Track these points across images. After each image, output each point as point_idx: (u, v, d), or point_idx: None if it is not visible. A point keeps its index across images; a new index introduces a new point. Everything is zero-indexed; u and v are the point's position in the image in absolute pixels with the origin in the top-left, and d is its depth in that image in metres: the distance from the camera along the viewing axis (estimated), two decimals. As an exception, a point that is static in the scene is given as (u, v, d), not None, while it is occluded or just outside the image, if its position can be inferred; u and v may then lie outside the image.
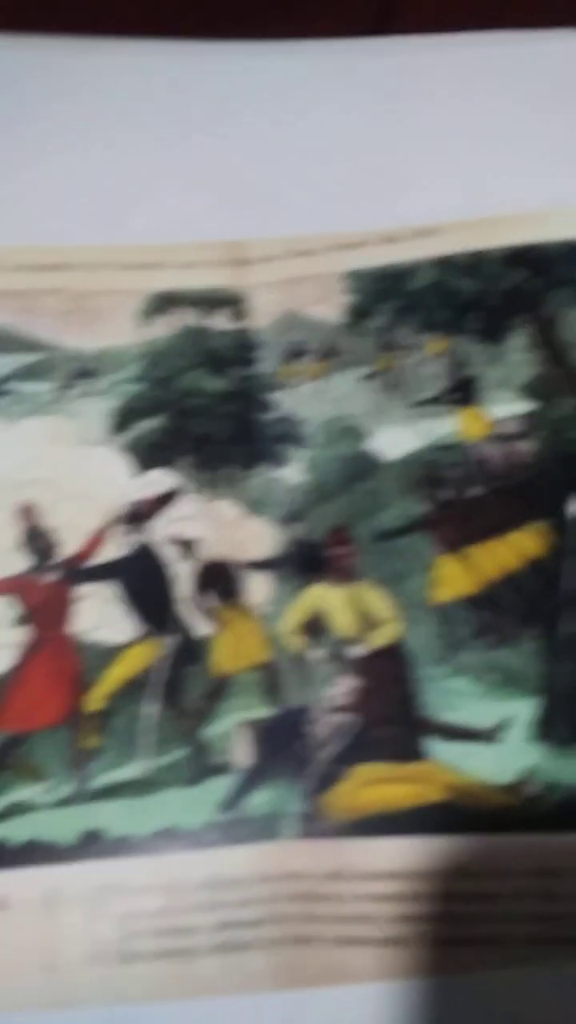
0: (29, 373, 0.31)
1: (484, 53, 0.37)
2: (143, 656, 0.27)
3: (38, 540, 0.29)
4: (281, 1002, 0.21)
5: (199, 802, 0.24)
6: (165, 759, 0.25)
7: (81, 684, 0.26)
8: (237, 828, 0.23)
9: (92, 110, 0.34)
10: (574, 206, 0.33)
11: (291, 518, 0.29)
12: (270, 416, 0.30)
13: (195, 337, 0.32)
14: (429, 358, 0.31)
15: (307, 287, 0.32)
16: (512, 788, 0.23)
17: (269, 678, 0.26)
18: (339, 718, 0.25)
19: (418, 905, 0.22)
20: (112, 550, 0.28)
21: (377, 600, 0.27)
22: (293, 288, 0.32)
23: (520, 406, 0.29)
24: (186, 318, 0.32)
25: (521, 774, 0.24)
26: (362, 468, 0.30)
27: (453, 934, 0.22)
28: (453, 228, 0.33)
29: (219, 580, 0.28)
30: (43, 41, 0.36)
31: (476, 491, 0.28)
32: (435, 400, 0.30)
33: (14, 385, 0.30)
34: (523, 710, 0.24)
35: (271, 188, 0.34)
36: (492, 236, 0.32)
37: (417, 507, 0.28)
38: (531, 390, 0.30)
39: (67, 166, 0.33)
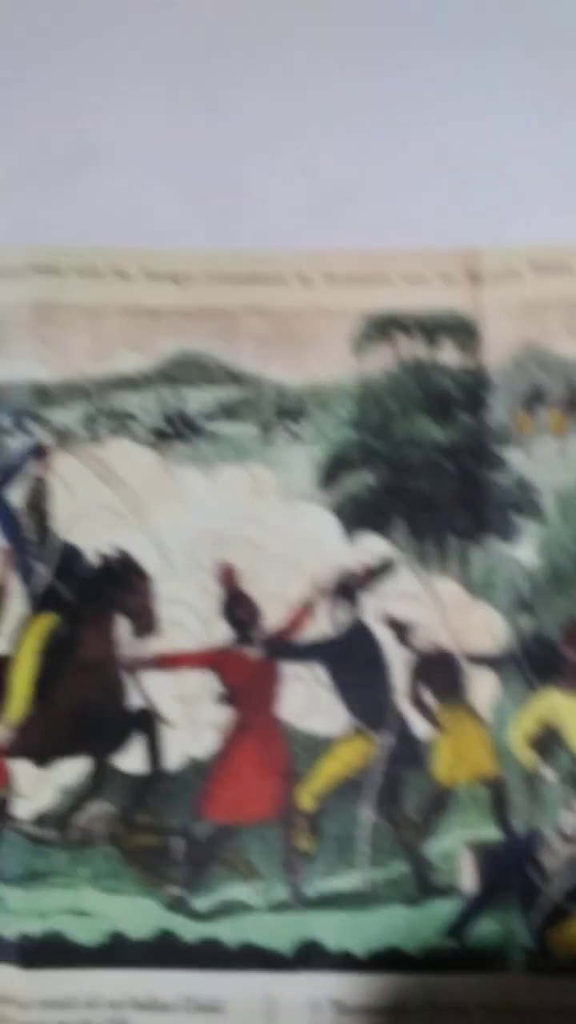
0: (229, 412, 0.33)
1: None
2: (356, 753, 0.30)
3: (239, 608, 0.32)
4: None
5: (423, 925, 0.27)
6: (384, 873, 0.28)
7: (292, 777, 0.29)
8: (461, 956, 0.28)
9: (303, 90, 0.35)
10: None
11: (522, 607, 0.31)
12: (501, 477, 0.33)
13: (417, 373, 0.34)
14: None
15: (554, 314, 0.34)
16: None
17: (497, 795, 0.29)
18: (573, 849, 0.29)
19: None
20: (320, 626, 0.33)
21: (622, 715, 0.30)
22: (536, 314, 0.33)
23: None
24: (408, 348, 0.34)
25: None
26: (609, 554, 0.32)
27: None
28: None
29: (440, 673, 0.31)
30: None
31: None
32: None
33: (213, 425, 0.34)
34: None
35: (515, 185, 0.35)
36: None
37: None
38: None
39: (275, 154, 0.35)
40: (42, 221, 0.33)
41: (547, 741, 0.30)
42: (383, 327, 0.33)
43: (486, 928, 0.28)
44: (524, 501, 0.32)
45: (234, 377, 0.33)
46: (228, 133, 0.34)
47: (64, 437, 0.32)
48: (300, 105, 0.34)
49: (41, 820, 0.30)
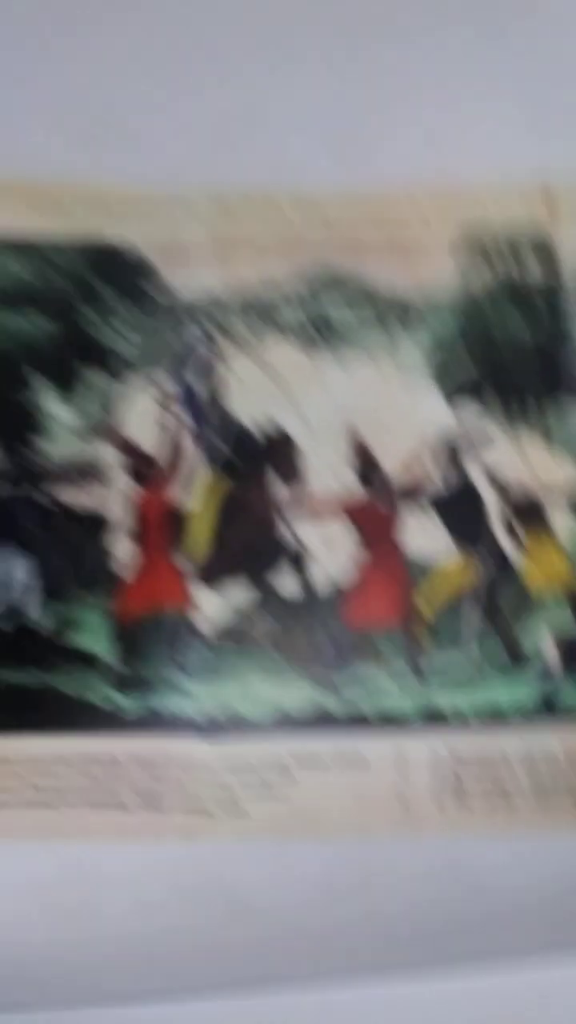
0: (360, 316, 0.42)
1: None
2: (462, 573, 0.39)
3: (369, 468, 0.41)
4: None
5: (518, 691, 0.37)
6: (487, 658, 0.38)
7: (412, 590, 0.39)
8: (550, 717, 0.37)
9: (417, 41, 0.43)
10: None
11: None
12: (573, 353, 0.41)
13: (506, 283, 0.42)
14: None
15: None
16: None
17: (573, 600, 0.39)
18: None
19: None
20: (431, 478, 0.41)
21: None
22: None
23: None
24: (500, 264, 0.42)
25: None
26: None
27: None
28: None
29: (527, 511, 0.40)
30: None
31: None
32: None
33: (348, 327, 0.42)
34: None
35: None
36: None
37: None
38: None
39: (395, 99, 0.43)
40: (222, 171, 0.40)
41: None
42: (476, 242, 0.41)
43: (567, 695, 0.36)
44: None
45: (363, 288, 0.41)
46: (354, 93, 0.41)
47: (235, 338, 0.40)
48: (424, 68, 0.41)
49: (218, 631, 0.39)
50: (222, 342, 0.41)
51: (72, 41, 0.42)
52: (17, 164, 0.41)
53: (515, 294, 0.41)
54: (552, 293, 0.40)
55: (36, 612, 0.39)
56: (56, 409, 0.40)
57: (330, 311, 0.41)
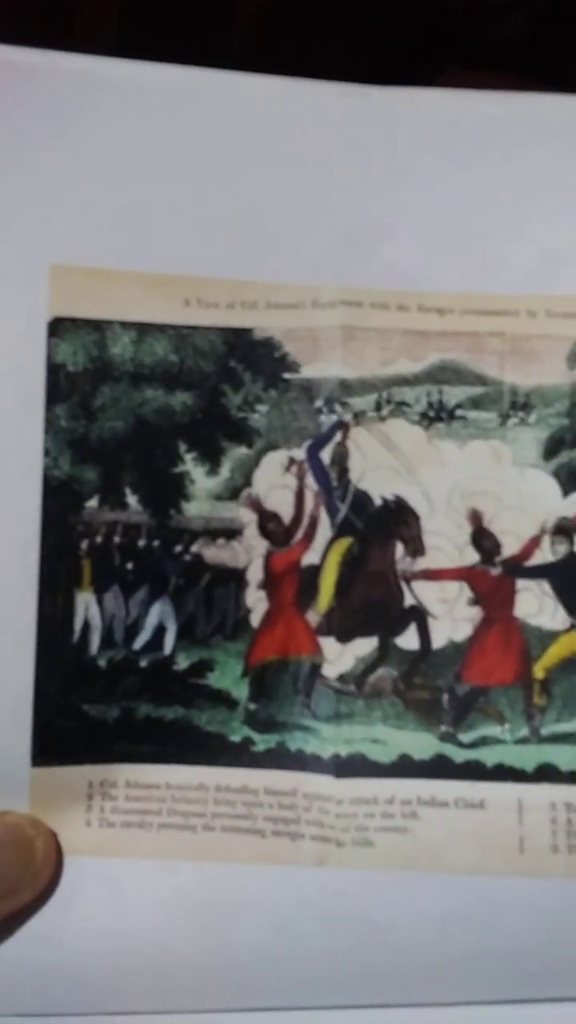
0: (476, 403, 0.48)
1: None
2: (575, 642, 0.43)
3: (485, 540, 0.46)
4: None
5: None
6: None
7: (527, 656, 0.43)
8: None
9: (536, 172, 0.50)
10: None
11: None
12: None
13: (613, 384, 0.48)
14: None
15: None
16: None
17: None
18: None
19: None
20: (544, 555, 0.45)
21: None
22: None
23: None
24: (606, 366, 0.48)
25: None
26: None
27: None
28: None
29: None
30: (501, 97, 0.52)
31: None
32: None
33: (464, 412, 0.47)
34: None
35: None
36: None
37: None
38: None
39: (512, 221, 0.49)
40: (352, 273, 0.46)
41: None
42: (591, 356, 0.47)
43: None
44: None
45: (480, 380, 0.46)
46: (480, 209, 0.47)
47: (359, 416, 0.46)
48: (535, 192, 0.47)
49: (343, 678, 0.44)
50: (347, 419, 0.45)
51: (225, 164, 0.48)
52: (170, 263, 0.47)
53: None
54: None
55: (171, 651, 0.43)
56: (201, 477, 0.45)
57: (449, 396, 0.46)
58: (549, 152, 0.53)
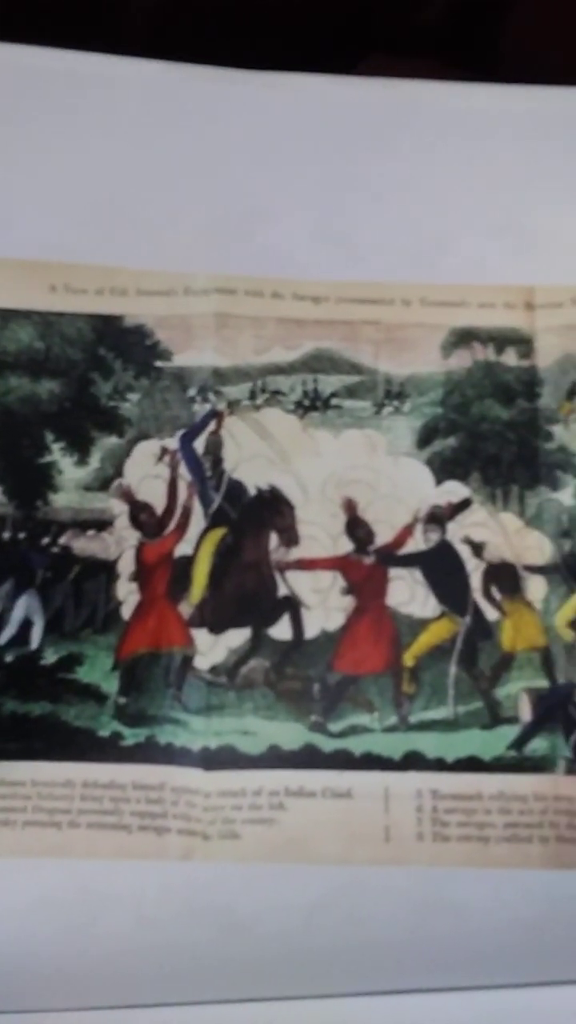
0: (351, 392, 0.48)
1: None
2: (445, 629, 0.44)
3: (359, 529, 0.46)
4: (549, 877, 0.40)
5: (493, 741, 0.42)
6: (465, 707, 0.43)
7: (398, 644, 0.44)
8: (520, 762, 0.42)
9: (411, 161, 0.50)
10: None
11: (563, 534, 0.45)
12: (549, 445, 0.47)
13: (488, 370, 0.48)
14: None
15: (586, 333, 0.48)
16: None
17: (545, 658, 0.44)
18: (599, 693, 0.42)
19: None
20: (417, 544, 0.45)
21: None
22: (574, 334, 0.47)
23: None
24: (481, 353, 0.48)
25: None
26: (625, 499, 0.45)
27: None
28: None
29: (504, 577, 0.45)
30: (377, 84, 0.52)
31: None
32: None
33: (339, 401, 0.47)
34: None
35: (560, 241, 0.49)
36: None
37: None
38: None
39: (388, 210, 0.49)
40: (225, 259, 0.46)
41: (582, 623, 0.42)
42: (464, 337, 0.47)
43: (537, 745, 0.42)
44: (565, 462, 0.46)
45: (355, 368, 0.46)
46: (356, 198, 0.47)
47: (233, 405, 0.46)
48: (411, 178, 0.47)
49: (215, 670, 0.43)
50: (221, 408, 0.45)
51: (93, 148, 0.47)
52: (34, 248, 0.46)
53: (495, 383, 0.46)
54: (529, 384, 0.45)
55: (39, 645, 0.42)
56: (69, 468, 0.44)
57: (324, 385, 0.45)
58: (425, 140, 0.53)
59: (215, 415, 0.48)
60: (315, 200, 0.51)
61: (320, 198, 0.52)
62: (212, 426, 0.48)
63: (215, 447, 0.48)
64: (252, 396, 0.49)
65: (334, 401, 0.50)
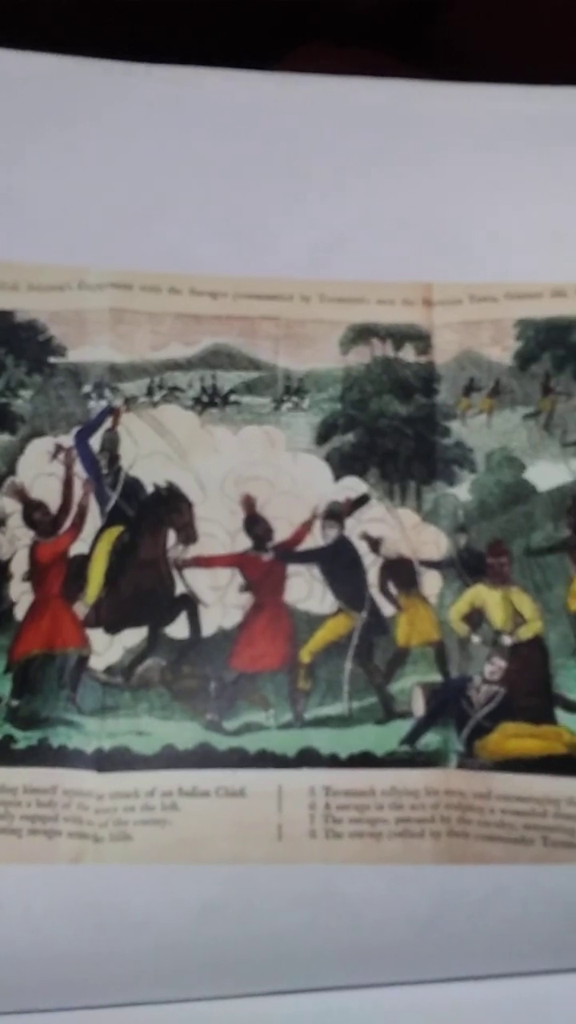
0: (250, 388, 0.47)
1: None
2: (341, 625, 0.44)
3: (257, 526, 0.46)
4: (441, 872, 0.40)
5: (387, 737, 0.42)
6: (359, 703, 0.43)
7: (295, 641, 0.43)
8: (413, 757, 0.42)
9: (310, 156, 0.49)
10: None
11: (459, 529, 0.46)
12: (446, 441, 0.47)
13: (386, 366, 0.48)
14: None
15: (483, 330, 0.48)
16: (617, 749, 0.41)
17: (439, 653, 0.44)
18: (492, 688, 0.42)
19: (540, 819, 0.40)
20: (315, 540, 0.45)
21: (525, 603, 0.44)
22: (471, 330, 0.48)
23: None
24: (380, 349, 0.48)
25: (624, 739, 0.41)
26: (519, 494, 0.46)
27: (565, 839, 0.40)
28: (615, 289, 0.48)
29: (400, 573, 0.45)
30: (274, 79, 0.51)
31: (612, 524, 0.44)
32: None
33: (238, 397, 0.47)
34: (631, 695, 0.42)
35: (458, 238, 0.49)
36: None
37: (562, 532, 0.45)
38: None
39: (287, 205, 0.49)
40: (121, 254, 0.45)
41: (475, 617, 0.43)
42: (362, 333, 0.46)
43: (430, 739, 0.42)
44: (462, 458, 0.46)
45: (254, 364, 0.45)
46: (254, 192, 0.46)
47: (130, 402, 0.45)
48: (310, 173, 0.47)
49: (110, 670, 0.43)
50: (117, 404, 0.45)
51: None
52: None
53: (394, 379, 0.46)
54: (427, 380, 0.46)
55: None
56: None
57: (222, 381, 0.45)
58: (324, 136, 0.53)
59: (111, 412, 0.47)
60: (213, 195, 0.51)
61: (219, 193, 0.51)
62: (108, 423, 0.47)
63: (111, 444, 0.47)
64: (149, 392, 0.48)
65: (233, 397, 0.50)
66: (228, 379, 0.50)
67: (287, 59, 0.64)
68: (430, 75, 0.57)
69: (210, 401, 0.50)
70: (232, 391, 0.50)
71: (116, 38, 0.53)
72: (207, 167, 0.51)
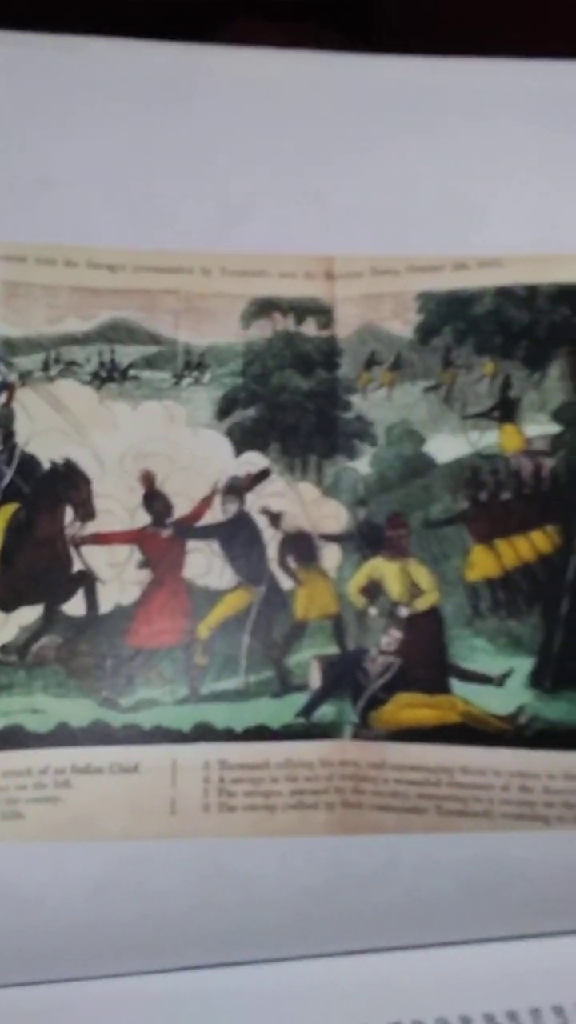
0: (150, 363, 0.47)
1: (552, 83, 0.52)
2: (240, 600, 0.44)
3: (156, 502, 0.45)
4: (334, 843, 0.40)
5: (282, 710, 0.42)
6: (256, 677, 0.42)
7: (193, 616, 0.43)
8: (308, 729, 0.42)
9: (210, 127, 0.49)
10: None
11: (359, 503, 0.45)
12: (347, 415, 0.47)
13: (288, 341, 0.48)
14: (481, 378, 0.47)
15: (385, 303, 0.48)
16: (508, 718, 0.42)
17: (337, 626, 0.44)
18: (387, 659, 0.42)
19: (433, 788, 0.40)
20: (215, 515, 0.45)
21: (422, 574, 0.44)
22: (373, 303, 0.48)
23: (550, 428, 0.45)
24: (281, 323, 0.48)
25: (516, 709, 0.41)
26: (419, 467, 0.46)
27: (458, 808, 0.40)
28: (514, 261, 0.48)
29: (300, 547, 0.45)
30: (173, 48, 0.51)
31: (507, 495, 0.45)
32: (483, 415, 0.46)
33: (138, 372, 0.46)
34: (522, 665, 0.42)
35: (360, 210, 0.49)
36: (545, 272, 0.48)
37: (460, 504, 0.45)
38: (560, 415, 0.46)
39: (187, 177, 0.48)
40: (14, 226, 0.45)
41: (372, 590, 0.43)
42: (264, 307, 0.46)
43: (326, 711, 0.42)
44: (362, 431, 0.46)
45: (154, 339, 0.45)
46: (153, 163, 0.46)
47: (25, 377, 0.44)
48: (211, 144, 0.46)
49: (5, 649, 0.42)
50: (12, 380, 0.44)
51: None
52: None
53: (295, 353, 0.46)
54: (329, 355, 0.45)
55: None
56: None
57: (121, 355, 0.45)
58: (223, 106, 0.53)
59: (5, 387, 0.46)
60: (112, 165, 0.50)
61: (116, 164, 0.50)
62: (3, 398, 0.46)
63: (6, 420, 0.46)
64: (45, 367, 0.48)
65: (132, 372, 0.49)
66: (127, 353, 0.50)
67: (222, 32, 0.63)
68: (367, 47, 0.57)
69: (108, 376, 0.49)
70: (131, 366, 0.49)
71: (44, 11, 0.52)
72: (105, 137, 0.51)
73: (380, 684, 0.44)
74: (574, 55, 0.54)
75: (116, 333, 0.49)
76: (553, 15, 0.60)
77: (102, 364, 0.49)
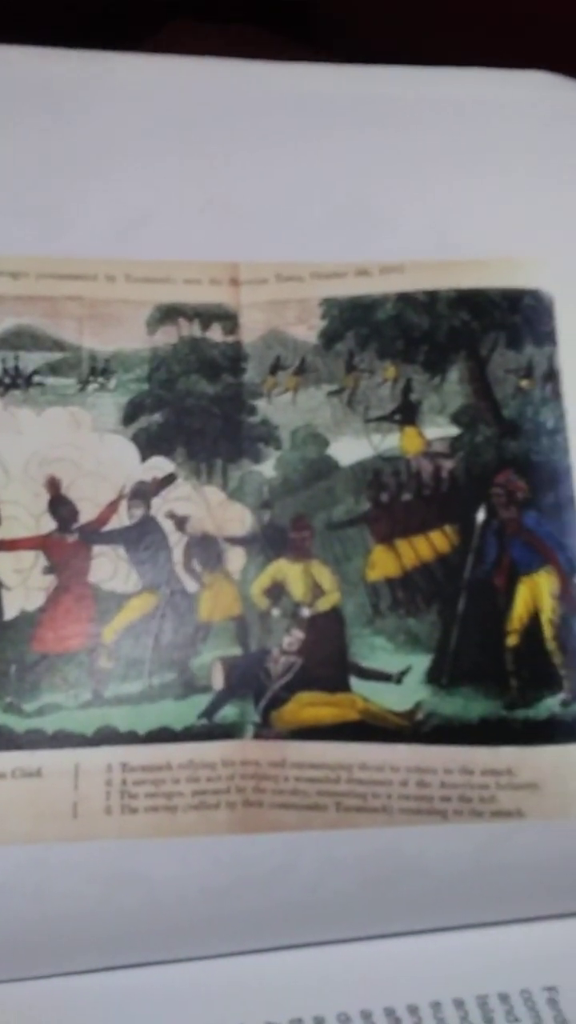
0: (54, 369, 0.47)
1: (459, 92, 0.53)
2: (145, 603, 0.44)
3: (62, 508, 0.45)
4: (236, 842, 0.41)
5: (185, 711, 0.42)
6: (160, 679, 0.42)
7: (98, 622, 0.43)
8: (210, 730, 0.42)
9: (113, 133, 0.49)
10: (512, 257, 0.49)
11: (263, 505, 0.46)
12: (253, 419, 0.47)
13: (194, 346, 0.48)
14: (384, 382, 0.48)
15: (290, 309, 0.49)
16: (406, 714, 0.42)
17: (240, 627, 0.44)
18: (289, 659, 0.43)
19: (333, 785, 0.40)
20: (121, 520, 0.45)
21: (325, 575, 0.45)
22: (278, 309, 0.49)
23: (449, 430, 0.46)
24: (187, 329, 0.48)
25: (413, 706, 0.42)
26: (322, 470, 0.47)
27: (357, 804, 0.41)
28: (415, 268, 0.49)
29: (205, 550, 0.45)
30: (73, 55, 0.51)
31: (408, 496, 0.46)
32: (385, 418, 0.47)
33: (42, 378, 0.47)
34: (420, 662, 0.43)
35: (264, 217, 0.50)
36: (445, 278, 0.49)
37: (362, 505, 0.45)
38: (459, 418, 0.47)
39: (89, 183, 0.49)
40: None
41: (276, 591, 0.43)
42: (169, 313, 0.46)
43: (228, 712, 0.43)
44: (267, 435, 0.46)
45: (58, 345, 0.45)
46: (55, 169, 0.46)
47: None
48: (114, 152, 0.47)
49: None
50: None
51: None
52: None
53: (201, 358, 0.46)
54: (234, 360, 0.46)
55: None
56: None
57: (25, 362, 0.45)
58: (127, 111, 0.53)
59: None
60: (12, 173, 0.50)
61: (18, 171, 0.50)
62: None
63: None
64: (-52, 374, 0.50)
65: (36, 378, 0.49)
66: (31, 360, 0.50)
67: (158, 36, 0.63)
68: (308, 52, 0.57)
69: (12, 383, 0.49)
70: (35, 372, 0.50)
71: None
72: (5, 144, 0.51)
73: (282, 684, 0.44)
74: (505, 56, 0.56)
75: (20, 340, 0.50)
76: (488, 17, 0.60)
77: (6, 371, 0.49)
